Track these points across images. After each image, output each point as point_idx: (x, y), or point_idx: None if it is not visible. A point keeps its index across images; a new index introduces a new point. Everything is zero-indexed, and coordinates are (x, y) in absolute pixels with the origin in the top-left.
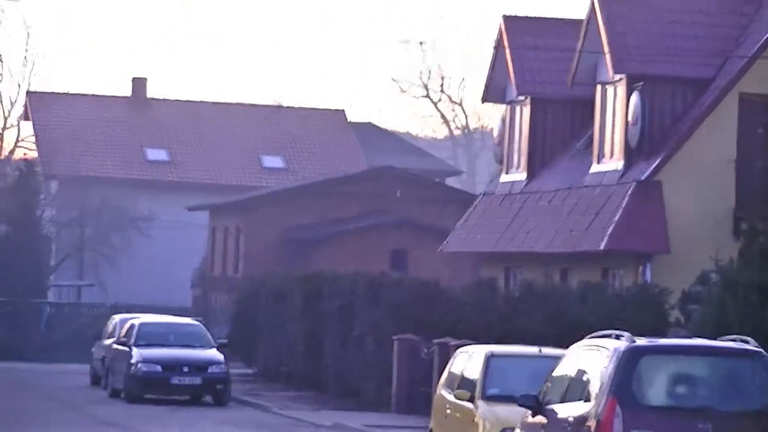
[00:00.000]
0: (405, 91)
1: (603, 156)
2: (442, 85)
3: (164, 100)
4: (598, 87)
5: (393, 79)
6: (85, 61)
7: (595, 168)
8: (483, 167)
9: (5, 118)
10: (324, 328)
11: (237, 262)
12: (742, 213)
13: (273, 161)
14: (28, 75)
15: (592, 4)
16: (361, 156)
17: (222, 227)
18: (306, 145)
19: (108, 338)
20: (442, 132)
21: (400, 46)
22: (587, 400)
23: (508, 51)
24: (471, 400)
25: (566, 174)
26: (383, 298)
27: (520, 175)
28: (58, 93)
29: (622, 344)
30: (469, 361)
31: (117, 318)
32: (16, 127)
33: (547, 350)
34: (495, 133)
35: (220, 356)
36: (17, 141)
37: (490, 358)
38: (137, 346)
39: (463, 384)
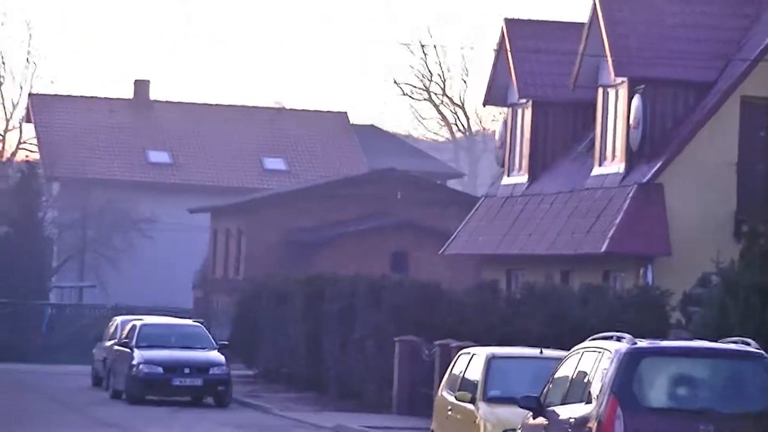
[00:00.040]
0: (407, 94)
1: (604, 159)
2: (443, 87)
3: (166, 102)
4: (600, 90)
5: (394, 82)
6: (86, 62)
7: (596, 171)
8: (484, 170)
9: (7, 121)
10: (325, 330)
11: (238, 264)
12: (744, 215)
13: (274, 163)
14: (30, 77)
15: (594, 7)
16: (362, 158)
17: (223, 229)
18: (307, 147)
19: (109, 340)
20: (443, 134)
21: (401, 48)
22: (588, 401)
23: (509, 54)
24: (472, 401)
25: (568, 177)
26: (384, 300)
27: (521, 178)
28: (60, 95)
29: (623, 346)
30: (470, 362)
31: (118, 319)
32: (18, 130)
33: (548, 352)
34: (496, 136)
35: (222, 358)
36: (19, 143)
37: (491, 360)
38: (138, 347)
39: (464, 385)
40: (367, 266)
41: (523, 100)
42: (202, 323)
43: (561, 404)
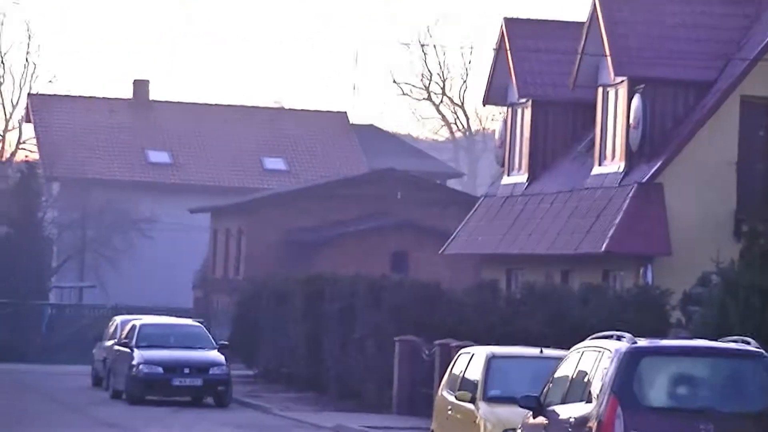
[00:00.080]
0: (406, 93)
1: (604, 158)
2: (443, 87)
3: (166, 102)
4: (600, 89)
5: (394, 81)
6: (86, 61)
7: (596, 170)
8: (484, 169)
9: (7, 121)
10: (325, 330)
11: (238, 264)
12: (743, 215)
13: (274, 163)
14: (30, 77)
15: (594, 6)
16: (362, 158)
17: (223, 229)
18: (307, 147)
19: (109, 340)
20: (443, 134)
21: (401, 48)
22: (588, 401)
23: (509, 53)
24: (472, 401)
25: (567, 176)
26: (384, 300)
27: (521, 178)
28: (60, 95)
29: (623, 345)
30: (470, 362)
31: (118, 319)
32: (18, 130)
33: (548, 351)
34: (496, 136)
35: (222, 358)
36: (19, 143)
37: (491, 360)
38: (138, 347)
39: (464, 385)
40: (367, 266)
41: (523, 100)
42: (202, 323)
43: (561, 404)
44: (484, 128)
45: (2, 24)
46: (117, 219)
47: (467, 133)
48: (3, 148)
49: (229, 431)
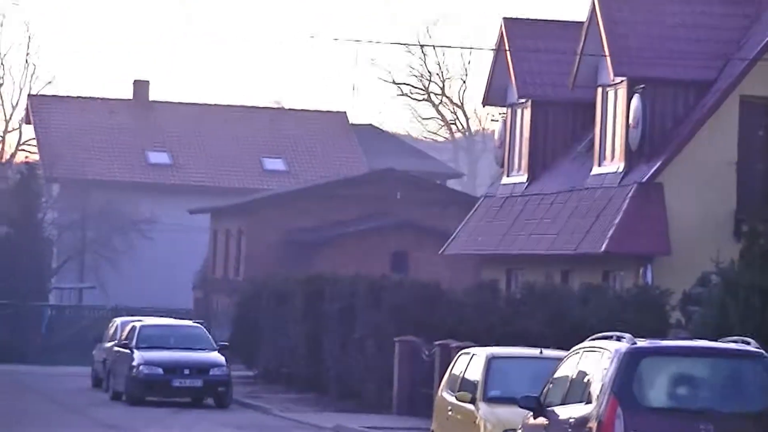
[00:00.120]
0: (406, 94)
1: (604, 158)
2: (443, 87)
3: (166, 103)
4: (599, 90)
5: (394, 82)
6: (86, 61)
7: (596, 170)
8: (484, 170)
9: (7, 122)
10: (325, 330)
11: (238, 265)
12: (743, 215)
13: (274, 164)
14: (30, 78)
15: (593, 6)
16: (362, 158)
17: (223, 230)
18: (307, 147)
19: (109, 341)
20: (443, 134)
21: (401, 48)
22: (588, 401)
23: (508, 54)
24: (472, 401)
25: (567, 176)
26: (384, 300)
27: (521, 178)
28: (60, 96)
29: (623, 346)
30: (470, 363)
31: (118, 320)
32: (18, 131)
33: (548, 352)
34: (496, 136)
35: (222, 358)
36: (19, 144)
37: (491, 360)
38: (138, 348)
39: (464, 386)
40: (367, 266)
41: (523, 100)
42: (202, 324)
43: (561, 404)
44: (483, 128)
45: (2, 25)
46: (117, 220)
47: (467, 133)
48: (3, 149)
49: None
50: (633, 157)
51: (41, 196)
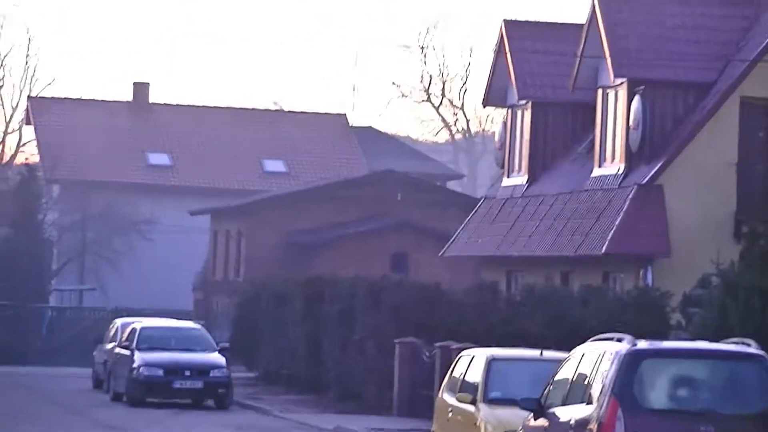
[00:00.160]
0: (406, 95)
1: (604, 160)
2: (443, 89)
3: (166, 104)
4: (599, 91)
5: (394, 83)
6: (86, 63)
7: (596, 172)
8: (484, 171)
9: (7, 123)
10: (325, 332)
11: (238, 266)
12: (743, 216)
13: (274, 165)
14: (30, 80)
15: (593, 8)
16: (362, 160)
17: (224, 231)
18: (307, 149)
19: (110, 342)
20: (443, 136)
21: (401, 50)
22: (589, 403)
23: (509, 55)
24: (473, 403)
25: (567, 178)
26: (384, 302)
27: (521, 179)
28: (60, 98)
29: (623, 347)
30: (470, 364)
31: (119, 322)
32: (18, 132)
33: (549, 353)
34: (496, 137)
35: (222, 360)
36: (19, 146)
37: (491, 362)
38: (139, 349)
39: (464, 387)
40: (367, 268)
41: (523, 102)
42: (202, 325)
43: (561, 405)
44: (483, 130)
45: (2, 27)
46: (117, 221)
47: (467, 134)
48: (3, 150)
49: None
50: (633, 158)
51: (41, 198)
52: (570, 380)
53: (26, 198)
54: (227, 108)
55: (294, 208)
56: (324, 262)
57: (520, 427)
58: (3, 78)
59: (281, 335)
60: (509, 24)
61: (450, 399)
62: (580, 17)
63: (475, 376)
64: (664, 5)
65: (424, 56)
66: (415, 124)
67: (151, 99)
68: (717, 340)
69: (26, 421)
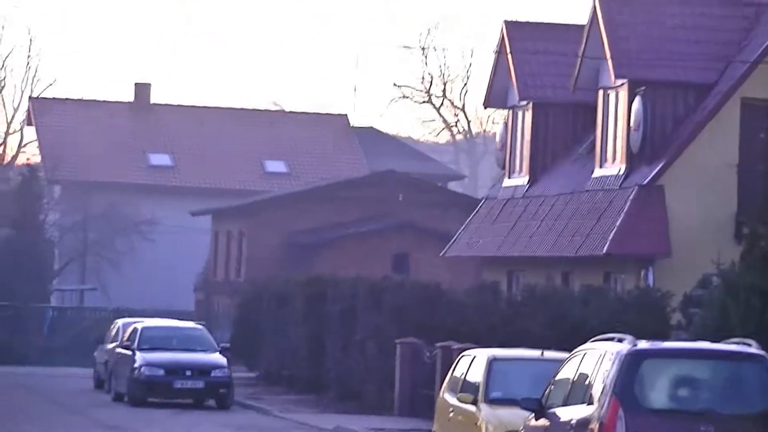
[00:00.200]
0: (407, 96)
1: (605, 160)
2: (444, 89)
3: (167, 105)
4: (600, 92)
5: (395, 84)
6: (87, 63)
7: (597, 172)
8: (485, 172)
9: (8, 124)
10: (326, 332)
11: (240, 266)
12: (744, 217)
13: (276, 166)
14: (31, 80)
15: (594, 9)
16: (362, 160)
17: (225, 231)
18: (308, 149)
19: (111, 342)
20: (444, 136)
21: (401, 50)
22: (590, 403)
23: (509, 56)
24: (474, 403)
25: (568, 178)
26: (385, 302)
27: (522, 180)
28: (61, 98)
29: (624, 347)
30: (471, 364)
31: (120, 322)
32: (20, 133)
33: (549, 354)
34: (497, 138)
35: (223, 360)
36: (20, 146)
37: (492, 362)
38: (140, 350)
39: (465, 387)
40: (368, 268)
41: (524, 102)
42: (203, 325)
43: (562, 406)
44: (484, 131)
45: (3, 28)
46: (118, 222)
47: (468, 135)
48: (4, 151)
49: None
50: (634, 159)
51: (43, 198)
52: (571, 380)
53: (28, 198)
54: (228, 108)
55: (295, 209)
56: (325, 262)
57: (521, 427)
58: (4, 79)
59: (282, 335)
60: (510, 25)
61: (451, 399)
62: (581, 18)
63: (476, 376)
64: (664, 6)
65: (425, 57)
66: (416, 124)
67: (152, 99)
68: (718, 341)
69: (27, 421)
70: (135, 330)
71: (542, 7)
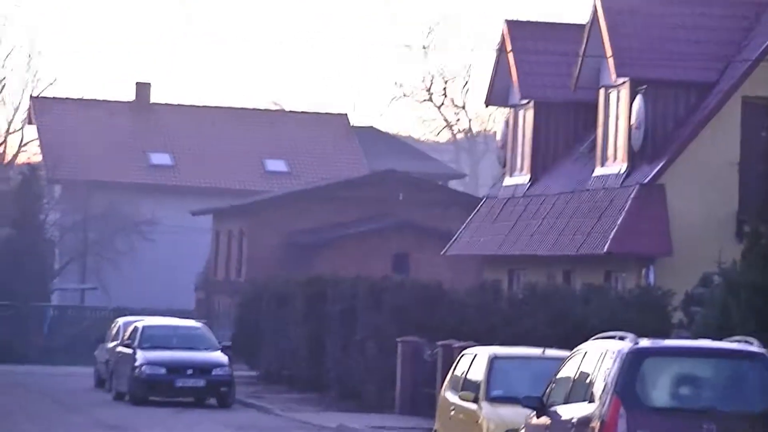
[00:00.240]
0: (407, 95)
1: (606, 159)
2: (444, 88)
3: (167, 104)
4: (602, 91)
5: (395, 83)
6: (87, 63)
7: (598, 171)
8: (486, 170)
9: (9, 123)
10: (326, 332)
11: (240, 266)
12: (745, 215)
13: (276, 165)
14: (32, 80)
15: (595, 8)
16: (363, 160)
17: (225, 231)
18: (309, 149)
19: (112, 341)
20: (444, 135)
21: (402, 49)
22: (591, 401)
23: (511, 55)
24: (475, 401)
25: (569, 177)
26: (385, 302)
27: (523, 179)
28: (62, 98)
29: (625, 345)
30: (472, 363)
31: (121, 321)
32: (20, 132)
33: (551, 352)
34: (498, 137)
35: (224, 359)
36: (21, 146)
37: (493, 360)
38: (141, 348)
39: (467, 386)
40: (368, 267)
41: (525, 101)
42: (204, 324)
43: (564, 404)
44: (485, 129)
45: (4, 27)
46: (119, 221)
47: (469, 134)
48: (5, 150)
49: None
50: (635, 157)
51: (43, 198)
52: (572, 378)
53: (28, 198)
54: (229, 108)
55: (295, 208)
56: (325, 262)
57: (523, 426)
58: (5, 78)
59: (282, 335)
60: (511, 24)
61: (452, 397)
62: (582, 17)
63: (478, 374)
64: (665, 5)
65: (426, 56)
66: (417, 123)
67: (152, 99)
68: (719, 339)
69: (27, 420)
70: (136, 329)
71: (543, 7)
